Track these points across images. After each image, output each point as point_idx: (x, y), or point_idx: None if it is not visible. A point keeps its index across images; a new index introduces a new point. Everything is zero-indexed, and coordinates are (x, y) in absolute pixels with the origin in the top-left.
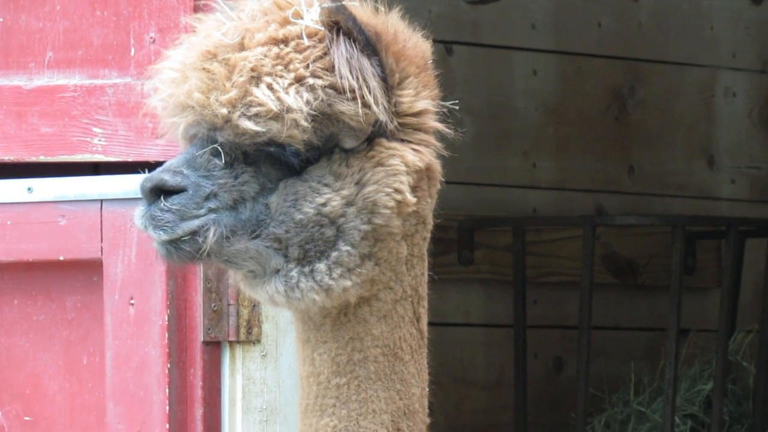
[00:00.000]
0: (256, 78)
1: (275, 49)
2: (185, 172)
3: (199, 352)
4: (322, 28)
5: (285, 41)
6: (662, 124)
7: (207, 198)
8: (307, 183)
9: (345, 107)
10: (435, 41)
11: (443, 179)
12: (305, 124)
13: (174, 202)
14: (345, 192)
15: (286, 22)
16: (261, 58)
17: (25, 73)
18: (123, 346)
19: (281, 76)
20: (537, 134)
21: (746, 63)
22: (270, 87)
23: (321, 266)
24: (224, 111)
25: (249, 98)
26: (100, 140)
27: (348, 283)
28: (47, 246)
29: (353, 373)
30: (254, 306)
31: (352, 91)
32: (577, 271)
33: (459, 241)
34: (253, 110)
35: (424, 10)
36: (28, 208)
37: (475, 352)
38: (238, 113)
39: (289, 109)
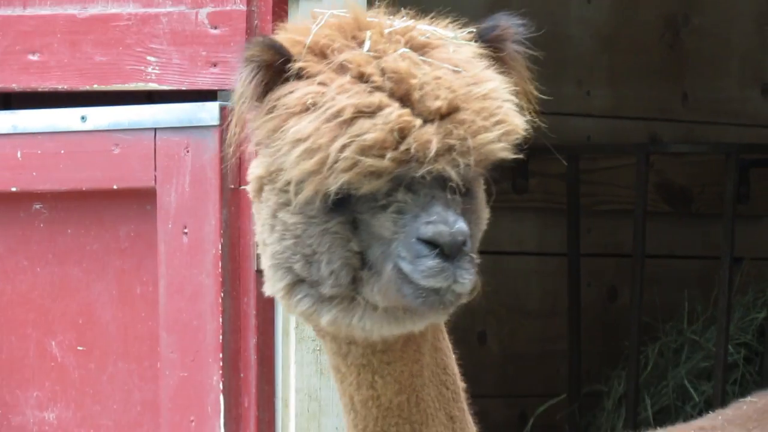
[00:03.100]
0: (509, 107)
1: (493, 74)
2: (459, 217)
3: (253, 281)
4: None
5: (487, 65)
6: (716, 52)
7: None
8: (477, 200)
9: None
10: None
11: None
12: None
13: (469, 250)
14: (484, 203)
15: (454, 44)
16: (501, 86)
17: (79, 2)
18: (176, 275)
19: (510, 100)
20: (591, 62)
21: None
22: (515, 113)
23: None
24: (498, 146)
25: (509, 127)
26: (154, 69)
27: None
28: (101, 174)
29: (412, 386)
30: None
31: (525, 95)
32: (631, 200)
33: (513, 169)
34: (511, 138)
35: None
36: (82, 137)
37: (528, 281)
38: (501, 145)
39: (524, 130)
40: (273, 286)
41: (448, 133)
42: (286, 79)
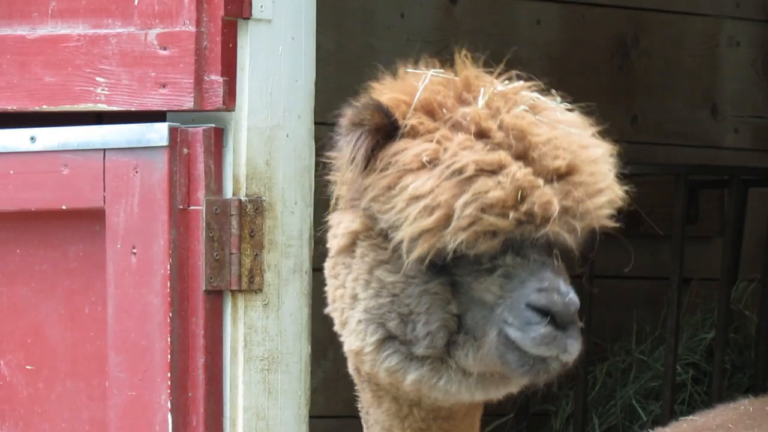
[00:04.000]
0: (612, 174)
1: (600, 141)
2: (570, 286)
3: (201, 301)
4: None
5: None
6: (666, 73)
7: None
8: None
9: None
10: None
11: None
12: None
13: (578, 320)
14: None
15: (560, 108)
16: (608, 153)
17: (28, 23)
18: (125, 295)
19: (613, 169)
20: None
21: (750, 12)
22: (616, 181)
23: None
24: (606, 211)
25: (614, 195)
26: (103, 89)
27: None
28: (50, 195)
29: None
30: (256, 255)
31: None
32: None
33: None
34: (615, 205)
35: None
36: (31, 158)
37: None
38: (607, 212)
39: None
40: (363, 340)
41: (566, 194)
42: (394, 139)
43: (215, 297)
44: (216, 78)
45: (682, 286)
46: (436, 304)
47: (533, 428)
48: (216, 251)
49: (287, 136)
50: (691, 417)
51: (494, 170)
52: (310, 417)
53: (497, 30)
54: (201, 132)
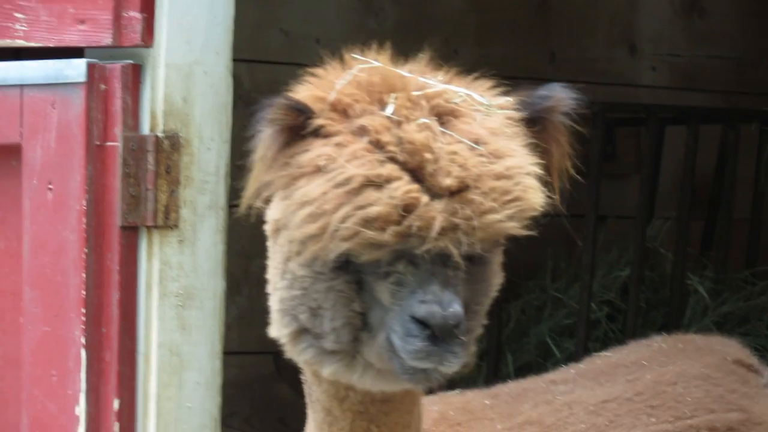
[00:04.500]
0: (526, 185)
1: (517, 147)
2: (455, 298)
3: (117, 237)
4: (515, 113)
5: (508, 135)
6: (584, 11)
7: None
8: (490, 266)
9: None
10: None
11: None
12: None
13: (462, 332)
14: (500, 266)
15: (479, 113)
16: (523, 161)
17: None
18: (41, 230)
19: (532, 174)
20: (458, 21)
21: None
22: (534, 189)
23: (472, 348)
24: (510, 225)
25: (526, 206)
26: (21, 25)
27: None
28: None
29: None
30: (172, 191)
31: (558, 168)
32: None
33: None
34: (526, 215)
35: None
36: None
37: None
38: (511, 224)
39: (542, 206)
40: (279, 330)
41: (453, 212)
42: (305, 137)
43: (131, 233)
44: (135, 14)
45: (597, 223)
46: (340, 301)
47: None
48: (132, 187)
49: (205, 72)
50: (604, 353)
51: (380, 184)
52: (224, 353)
53: None
54: (119, 68)
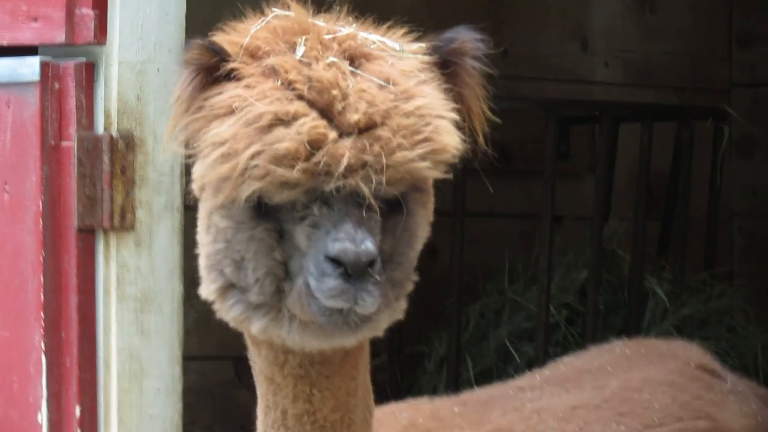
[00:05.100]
0: (438, 125)
1: (430, 89)
2: (370, 237)
3: (74, 239)
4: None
5: (421, 78)
6: (536, 6)
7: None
8: (412, 218)
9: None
10: None
11: None
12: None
13: (377, 272)
14: (426, 218)
15: (392, 56)
16: (434, 102)
17: None
18: None
19: (446, 118)
20: (411, 16)
21: None
22: (448, 131)
23: (402, 303)
24: (420, 165)
25: (437, 146)
26: None
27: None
28: None
29: (347, 405)
30: (128, 192)
31: (471, 112)
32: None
33: None
34: (440, 157)
35: None
36: None
37: None
38: (427, 163)
39: (458, 150)
40: (206, 288)
41: (362, 148)
42: (220, 80)
43: (88, 235)
44: (87, 11)
45: (554, 224)
46: (261, 250)
47: (406, 370)
48: (88, 188)
49: (158, 70)
50: (567, 358)
51: (289, 121)
52: (184, 358)
53: None
54: (72, 66)
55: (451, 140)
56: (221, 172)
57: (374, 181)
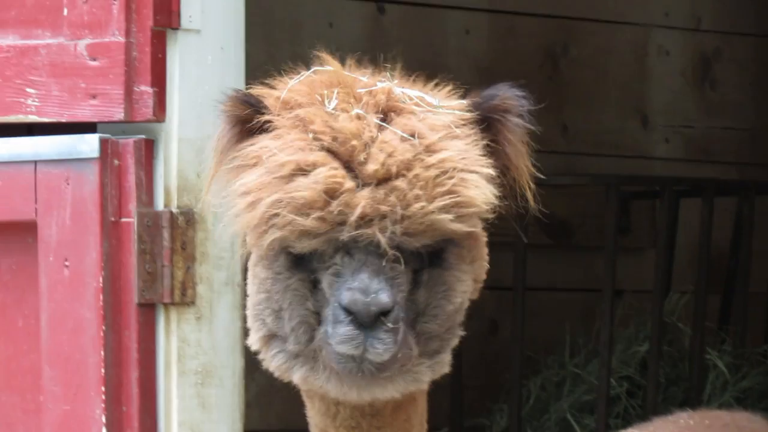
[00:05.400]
0: (462, 178)
1: (458, 144)
2: (386, 287)
3: (134, 314)
4: (465, 113)
5: (452, 133)
6: (595, 83)
7: (400, 308)
8: (451, 272)
9: (499, 192)
10: (367, 0)
11: None
12: (489, 215)
13: (392, 321)
14: (471, 274)
15: (422, 111)
16: (460, 156)
17: None
18: (58, 308)
19: (475, 171)
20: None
21: (679, 21)
22: (476, 185)
23: (446, 356)
24: (440, 217)
25: (461, 200)
26: (33, 101)
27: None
28: None
29: None
30: (188, 267)
31: (515, 171)
32: (512, 232)
33: None
34: (464, 211)
35: None
36: None
37: None
38: (450, 217)
39: (488, 204)
40: (252, 337)
41: (379, 199)
42: (255, 132)
43: (148, 310)
44: (146, 89)
45: (614, 298)
46: (295, 300)
47: None
48: (148, 264)
49: None
50: (630, 430)
51: (308, 171)
52: (245, 431)
53: (426, 40)
54: (132, 143)
55: (477, 194)
56: (246, 221)
57: (390, 231)
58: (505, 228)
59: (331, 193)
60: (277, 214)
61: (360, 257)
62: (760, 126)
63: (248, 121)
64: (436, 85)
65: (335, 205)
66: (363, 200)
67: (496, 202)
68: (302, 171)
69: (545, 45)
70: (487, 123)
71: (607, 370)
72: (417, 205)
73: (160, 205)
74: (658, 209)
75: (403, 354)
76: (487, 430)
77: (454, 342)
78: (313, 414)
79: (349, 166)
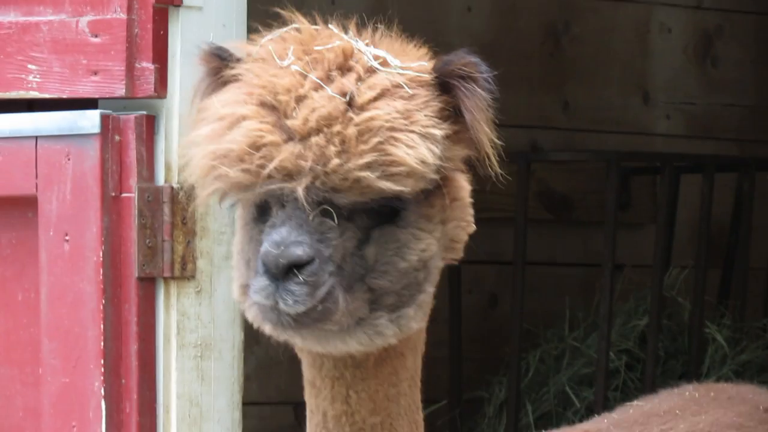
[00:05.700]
0: (391, 137)
1: (397, 104)
2: (307, 240)
3: (134, 288)
4: (422, 75)
5: (396, 93)
6: (597, 60)
7: (327, 262)
8: (407, 230)
9: (459, 153)
10: None
11: None
12: (433, 176)
13: (307, 274)
14: (437, 234)
15: (371, 70)
16: (391, 116)
17: None
18: (58, 282)
19: (412, 131)
20: None
21: None
22: (408, 145)
23: (409, 311)
24: (362, 174)
25: (388, 158)
26: (35, 77)
27: (423, 323)
28: None
29: (387, 410)
30: (188, 242)
31: (474, 137)
32: (512, 207)
33: None
34: (393, 170)
35: None
36: None
37: None
38: (375, 174)
39: (425, 164)
40: (233, 286)
41: (299, 154)
42: (226, 84)
43: (148, 284)
44: (147, 65)
45: (614, 272)
46: (257, 249)
47: (466, 415)
48: (148, 238)
49: None
50: (636, 402)
51: (239, 123)
52: (243, 404)
53: (428, 17)
54: (133, 119)
55: (408, 153)
56: (195, 172)
57: (308, 185)
58: (505, 203)
59: (255, 146)
60: (214, 167)
61: (288, 211)
62: (760, 103)
63: (218, 73)
64: (420, 49)
65: (257, 158)
66: (283, 154)
67: (439, 162)
68: (235, 124)
69: (547, 22)
70: (446, 87)
71: (606, 343)
72: (335, 161)
73: (160, 180)
74: (658, 185)
75: (324, 308)
76: (486, 402)
77: (421, 299)
78: (305, 368)
79: (278, 120)
